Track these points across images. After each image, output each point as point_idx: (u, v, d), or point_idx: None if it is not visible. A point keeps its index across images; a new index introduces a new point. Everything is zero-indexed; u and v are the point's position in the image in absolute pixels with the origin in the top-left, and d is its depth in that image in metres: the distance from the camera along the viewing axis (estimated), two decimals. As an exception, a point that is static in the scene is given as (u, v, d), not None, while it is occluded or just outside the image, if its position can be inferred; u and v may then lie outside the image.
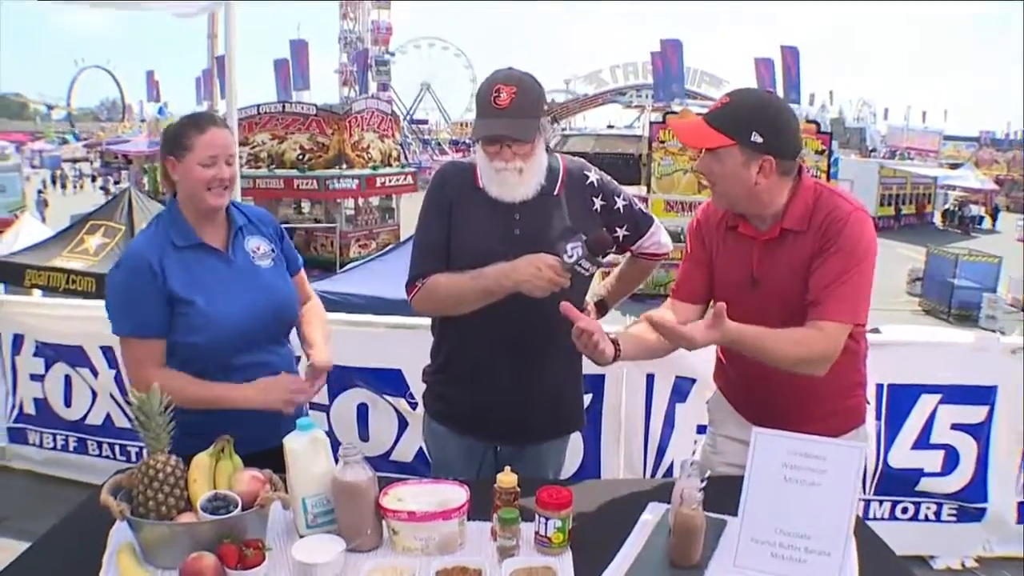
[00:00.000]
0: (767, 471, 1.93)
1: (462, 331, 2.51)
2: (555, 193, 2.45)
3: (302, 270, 2.67)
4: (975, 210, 35.02)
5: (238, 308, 2.34)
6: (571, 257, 2.21)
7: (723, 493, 2.07)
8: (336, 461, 1.99)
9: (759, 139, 2.10)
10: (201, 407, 2.26)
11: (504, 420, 2.51)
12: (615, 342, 2.15)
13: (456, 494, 2.00)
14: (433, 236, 2.47)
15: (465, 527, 1.98)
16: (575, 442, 3.73)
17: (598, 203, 2.52)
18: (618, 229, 2.57)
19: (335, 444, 2.00)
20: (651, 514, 2.17)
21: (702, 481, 1.96)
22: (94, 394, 4.56)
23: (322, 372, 2.45)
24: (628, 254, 2.73)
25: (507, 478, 2.01)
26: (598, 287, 2.78)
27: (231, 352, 2.34)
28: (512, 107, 2.27)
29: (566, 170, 2.50)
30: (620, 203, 2.56)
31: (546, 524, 1.92)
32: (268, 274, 2.46)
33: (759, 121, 2.11)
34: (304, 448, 1.99)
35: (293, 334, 2.61)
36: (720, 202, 2.29)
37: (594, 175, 2.54)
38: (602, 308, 2.74)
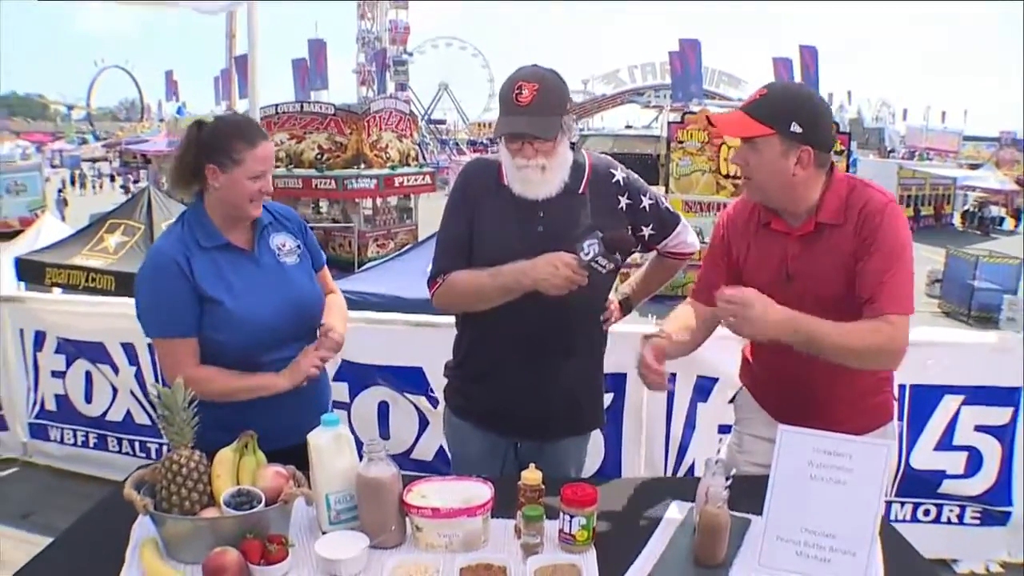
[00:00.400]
0: (793, 469, 1.92)
1: (482, 328, 2.52)
2: (580, 191, 2.44)
3: (325, 266, 2.68)
4: (995, 211, 34.64)
5: (264, 307, 2.34)
6: (587, 254, 2.21)
7: (747, 492, 2.05)
8: (360, 457, 1.99)
9: (798, 129, 2.10)
10: (236, 398, 2.29)
11: (523, 417, 2.51)
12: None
13: (480, 491, 1.99)
14: (455, 233, 2.48)
15: (489, 524, 1.97)
16: (596, 441, 3.74)
17: (624, 201, 2.50)
18: (644, 228, 2.55)
19: (356, 443, 2.00)
20: (674, 512, 2.16)
21: (727, 480, 1.95)
22: (115, 391, 4.58)
23: (330, 337, 2.44)
24: (654, 253, 2.71)
25: (532, 475, 2.01)
26: (623, 286, 2.77)
27: (258, 350, 2.34)
28: (534, 105, 2.26)
29: (592, 168, 2.49)
30: (646, 202, 2.54)
31: (571, 522, 1.92)
32: (294, 272, 2.47)
33: (798, 112, 2.12)
34: (328, 444, 1.99)
35: None
36: (755, 195, 2.28)
37: (620, 173, 2.53)
38: (626, 306, 2.73)
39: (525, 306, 2.31)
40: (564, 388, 2.52)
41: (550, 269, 2.21)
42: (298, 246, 2.52)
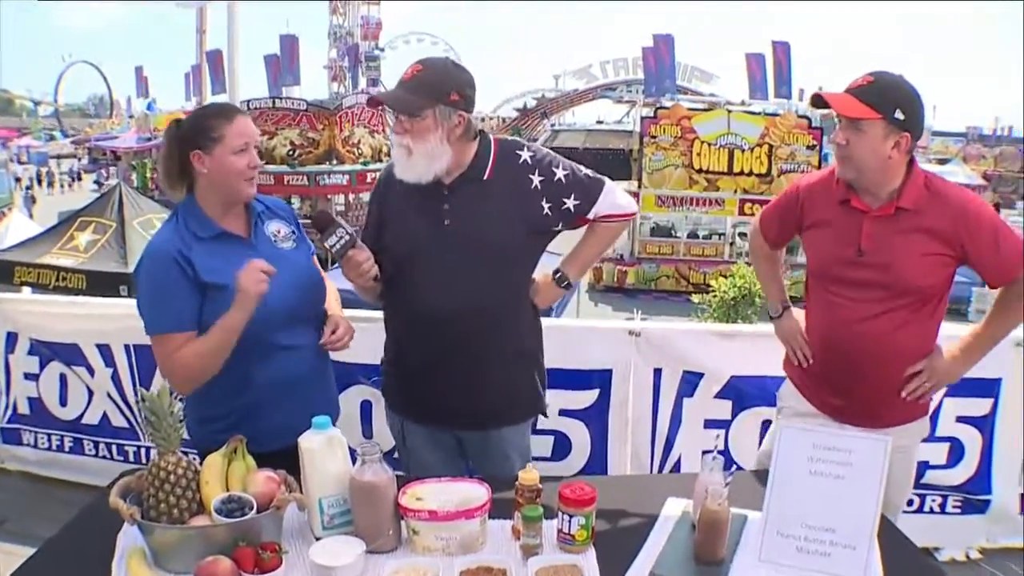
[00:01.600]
0: (793, 464, 1.93)
1: (405, 326, 2.55)
2: (485, 178, 2.43)
3: (315, 256, 2.64)
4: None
5: (269, 290, 2.26)
6: (331, 247, 2.33)
7: (743, 488, 2.04)
8: (353, 460, 1.95)
9: (901, 116, 2.26)
10: (219, 354, 2.23)
11: (456, 410, 2.52)
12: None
13: (477, 492, 1.97)
14: (366, 237, 2.53)
15: (487, 526, 1.95)
16: (581, 436, 3.73)
17: (536, 179, 2.46)
18: (566, 200, 2.49)
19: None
20: (671, 509, 2.16)
21: (727, 475, 1.94)
22: (90, 393, 4.49)
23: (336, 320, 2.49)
24: (587, 226, 2.62)
25: (529, 475, 1.98)
26: (558, 263, 2.67)
27: (266, 333, 2.29)
28: (410, 82, 2.31)
29: (496, 153, 2.47)
30: (560, 173, 2.49)
31: (570, 521, 1.90)
32: (292, 255, 2.45)
33: (902, 100, 2.27)
34: (320, 447, 1.95)
35: None
36: (849, 172, 2.38)
37: (526, 152, 2.50)
38: (562, 281, 2.62)
39: (440, 301, 2.38)
40: (494, 378, 2.51)
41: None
42: (292, 232, 2.50)
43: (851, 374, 2.44)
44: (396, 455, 2.85)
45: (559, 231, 2.54)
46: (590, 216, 2.55)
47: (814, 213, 2.52)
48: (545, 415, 2.77)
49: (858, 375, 2.43)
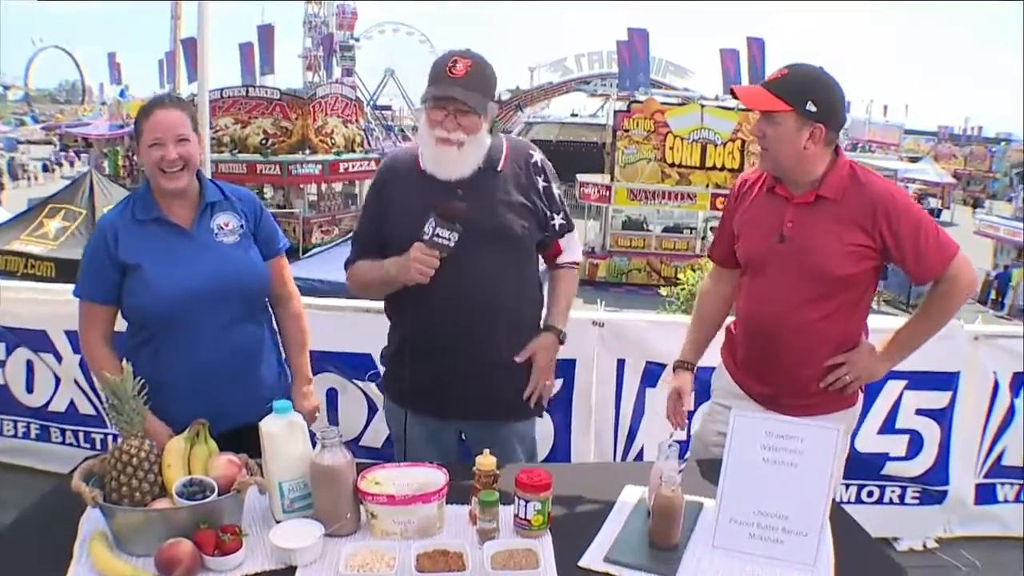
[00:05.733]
0: (746, 453, 1.96)
1: (409, 316, 2.52)
2: (498, 169, 2.45)
3: (282, 256, 2.65)
4: (933, 203, 35.56)
5: (186, 276, 2.34)
6: (427, 234, 2.27)
7: (698, 476, 2.08)
8: (313, 444, 1.97)
9: (813, 108, 2.27)
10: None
11: (464, 400, 2.51)
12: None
13: (434, 477, 1.99)
14: (364, 225, 2.59)
15: (444, 510, 1.98)
16: (546, 427, 3.74)
17: (541, 183, 2.52)
18: (556, 216, 2.56)
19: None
20: (628, 496, 2.19)
21: (681, 463, 1.97)
22: (57, 380, 4.46)
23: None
24: (553, 274, 2.70)
25: (486, 460, 2.01)
26: (545, 319, 2.68)
27: (178, 317, 2.35)
28: (467, 77, 2.30)
29: (509, 147, 2.51)
30: (556, 191, 2.57)
31: (526, 506, 1.93)
32: (227, 248, 2.44)
33: (814, 92, 2.29)
34: (281, 431, 1.97)
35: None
36: (767, 164, 2.42)
37: (538, 155, 2.56)
38: (560, 335, 2.64)
39: (457, 291, 2.36)
40: (508, 369, 2.53)
41: (403, 260, 2.28)
42: (241, 226, 2.49)
43: (774, 362, 2.46)
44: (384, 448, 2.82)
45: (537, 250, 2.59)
46: (559, 251, 2.63)
47: (746, 203, 2.54)
48: (552, 417, 2.79)
49: (781, 363, 2.44)
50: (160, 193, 2.38)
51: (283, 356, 2.68)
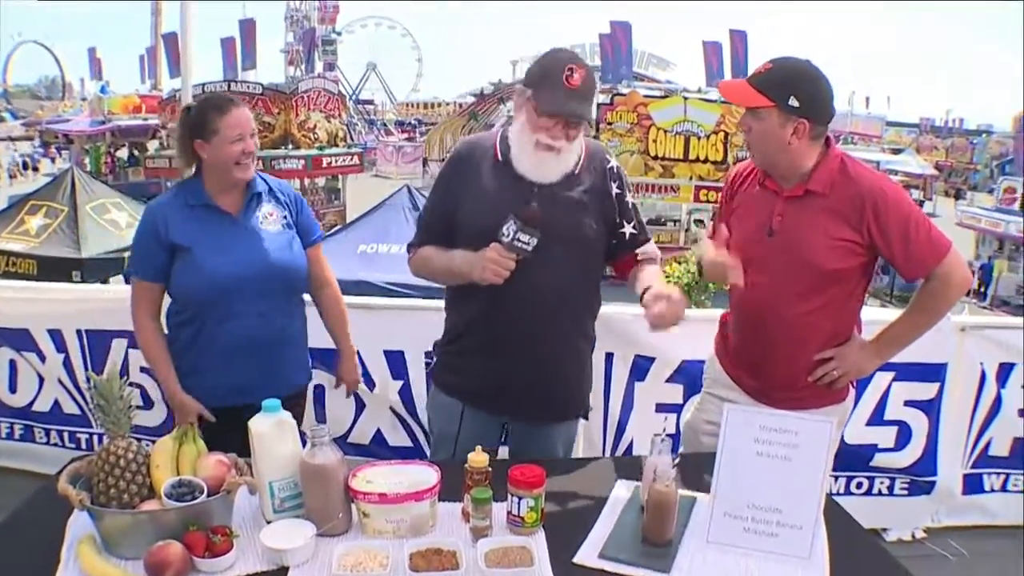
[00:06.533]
0: (739, 446, 1.96)
1: (473, 309, 2.50)
2: (575, 171, 2.44)
3: (320, 245, 2.87)
4: (915, 195, 35.77)
5: (232, 261, 2.54)
6: (507, 236, 2.25)
7: (692, 471, 2.07)
8: (303, 443, 1.95)
9: (796, 103, 2.26)
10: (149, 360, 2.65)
11: (518, 395, 2.49)
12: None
13: (426, 475, 1.98)
14: (438, 209, 2.55)
15: (437, 508, 1.96)
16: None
17: (615, 189, 2.51)
18: (627, 224, 2.55)
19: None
20: (621, 491, 2.18)
21: (675, 457, 1.97)
22: (41, 380, 4.41)
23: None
24: (635, 267, 2.61)
25: (478, 458, 2.00)
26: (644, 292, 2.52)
27: (224, 299, 2.54)
28: (583, 88, 2.29)
29: (587, 149, 2.49)
30: (629, 198, 2.57)
31: (519, 504, 1.92)
32: (271, 236, 2.64)
33: (798, 87, 2.28)
34: (270, 431, 1.95)
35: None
36: (755, 157, 2.45)
37: (614, 161, 2.56)
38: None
39: (527, 291, 2.34)
40: (561, 369, 2.53)
41: (478, 260, 2.26)
42: (284, 217, 2.70)
43: (765, 355, 2.47)
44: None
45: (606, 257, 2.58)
46: (640, 251, 2.59)
47: (739, 195, 2.55)
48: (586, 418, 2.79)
49: (772, 356, 2.45)
50: (222, 184, 2.59)
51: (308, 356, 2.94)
